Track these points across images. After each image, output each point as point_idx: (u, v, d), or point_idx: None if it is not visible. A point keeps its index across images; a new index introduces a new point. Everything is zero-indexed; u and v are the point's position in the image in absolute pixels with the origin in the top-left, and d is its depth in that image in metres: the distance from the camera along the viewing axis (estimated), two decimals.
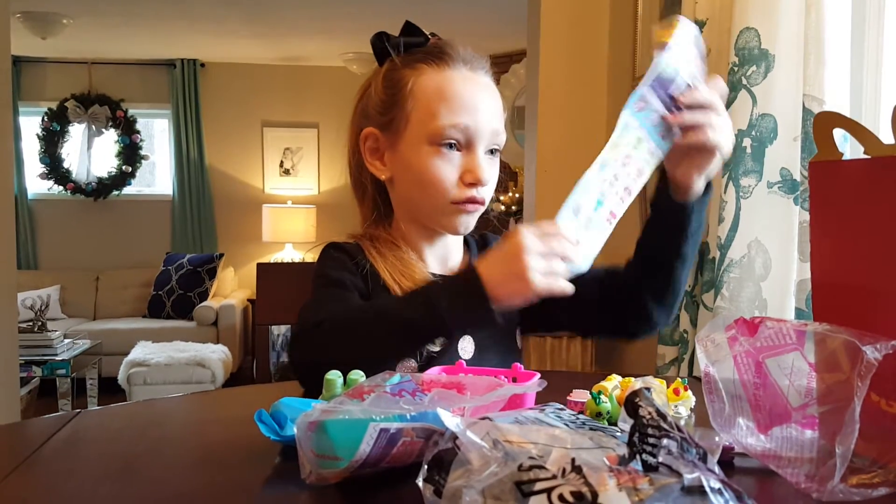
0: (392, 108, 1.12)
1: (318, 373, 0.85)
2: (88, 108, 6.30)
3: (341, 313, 1.00)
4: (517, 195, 5.00)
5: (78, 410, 0.91)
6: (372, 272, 1.12)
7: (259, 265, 1.72)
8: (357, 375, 0.84)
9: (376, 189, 1.19)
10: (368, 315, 0.99)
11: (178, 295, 5.88)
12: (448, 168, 1.08)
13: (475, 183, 1.08)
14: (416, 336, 0.96)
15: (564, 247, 0.89)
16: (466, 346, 1.13)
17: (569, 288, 0.89)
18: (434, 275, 1.15)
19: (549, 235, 0.88)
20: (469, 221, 1.13)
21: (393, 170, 1.14)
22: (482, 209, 1.13)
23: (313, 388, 0.92)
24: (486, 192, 1.11)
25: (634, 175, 0.95)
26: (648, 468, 0.48)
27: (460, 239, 1.22)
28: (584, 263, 0.93)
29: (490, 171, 1.11)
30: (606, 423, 0.76)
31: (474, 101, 1.09)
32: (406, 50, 1.13)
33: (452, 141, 1.08)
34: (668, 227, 1.09)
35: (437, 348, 1.10)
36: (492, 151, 1.12)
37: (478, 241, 1.27)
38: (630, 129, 0.96)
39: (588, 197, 0.94)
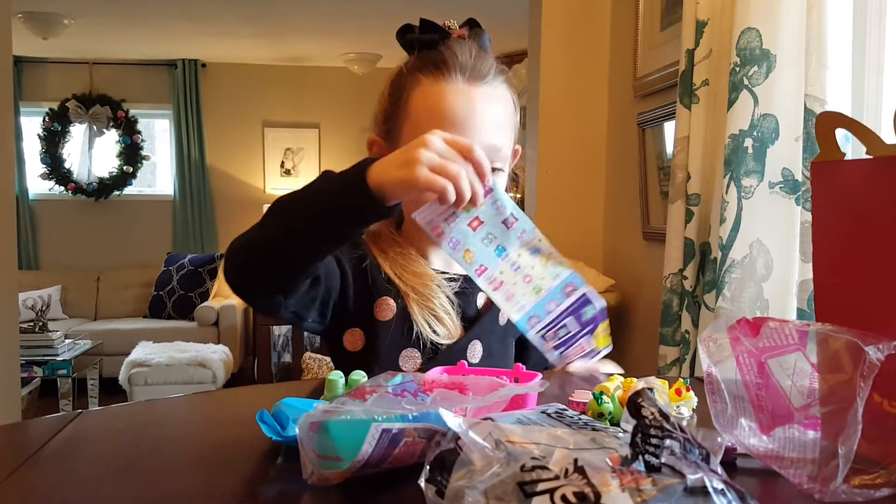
0: (391, 118, 1.12)
1: (250, 272, 0.95)
2: (89, 108, 6.31)
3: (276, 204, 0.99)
4: (518, 196, 5.00)
5: (79, 411, 0.91)
6: (373, 265, 1.12)
7: None
8: (358, 376, 0.84)
9: None
10: (277, 206, 0.97)
11: (179, 295, 5.89)
12: None
13: None
14: (310, 211, 0.91)
15: (474, 160, 0.86)
16: (475, 351, 1.14)
17: (450, 192, 0.83)
18: (437, 271, 1.15)
19: (460, 145, 0.86)
20: None
21: None
22: None
23: (254, 296, 0.99)
24: None
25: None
26: (651, 469, 0.48)
27: None
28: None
29: None
30: (608, 423, 0.76)
31: (464, 119, 1.05)
32: (420, 49, 1.11)
33: None
34: None
35: (445, 341, 1.10)
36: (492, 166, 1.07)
37: None
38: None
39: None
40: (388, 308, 1.11)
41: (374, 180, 0.85)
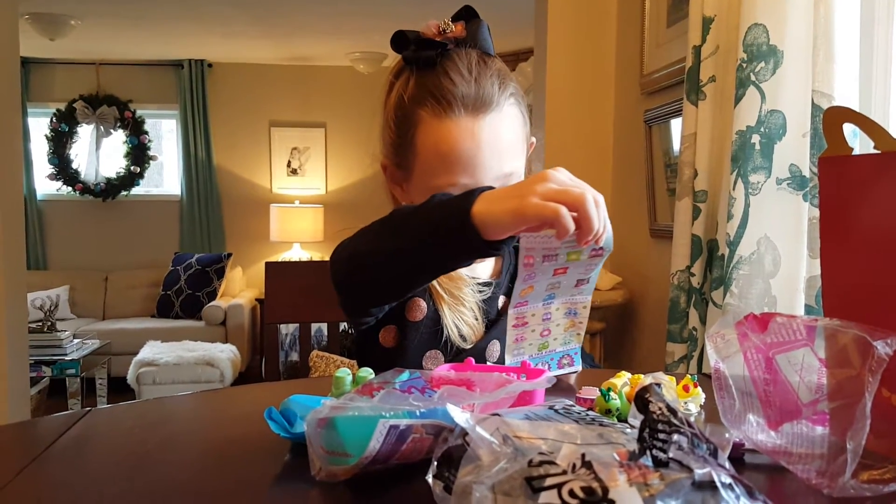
0: (400, 149, 1.10)
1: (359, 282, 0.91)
2: (96, 108, 6.33)
3: (367, 227, 0.96)
4: None
5: (88, 409, 0.91)
6: None
7: (268, 264, 1.72)
8: (366, 373, 0.84)
9: None
10: (386, 220, 0.93)
11: (186, 295, 5.90)
12: None
13: None
14: (414, 237, 0.86)
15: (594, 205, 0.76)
16: (493, 351, 1.15)
17: (563, 216, 0.74)
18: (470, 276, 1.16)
19: (582, 186, 0.78)
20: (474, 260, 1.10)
21: (410, 200, 1.13)
22: None
23: (360, 304, 0.98)
24: None
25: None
26: (659, 463, 0.48)
27: None
28: None
29: None
30: (616, 419, 0.76)
31: (473, 158, 1.02)
32: (418, 69, 1.07)
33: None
34: None
35: (466, 345, 1.10)
36: None
37: (515, 249, 1.26)
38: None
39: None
40: (419, 309, 1.12)
41: (479, 212, 0.78)
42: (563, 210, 0.73)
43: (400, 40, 1.08)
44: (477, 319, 1.14)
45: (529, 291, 0.90)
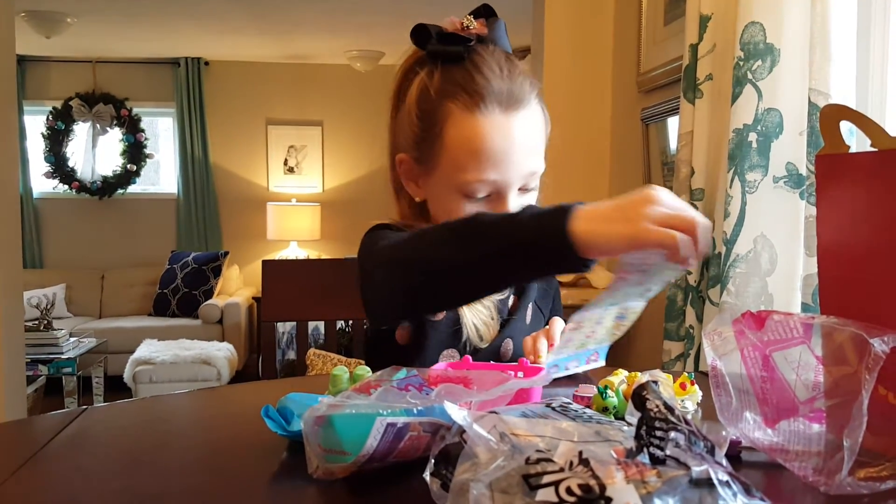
0: (423, 144, 1.07)
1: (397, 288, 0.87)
2: (93, 106, 6.31)
3: (428, 231, 0.91)
4: None
5: (84, 407, 0.91)
6: None
7: (264, 262, 1.72)
8: (363, 371, 0.84)
9: None
10: (455, 224, 0.86)
11: (183, 293, 5.89)
12: (472, 211, 1.04)
13: None
14: (502, 249, 0.79)
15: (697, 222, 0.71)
16: (507, 349, 1.17)
17: (683, 245, 0.70)
18: None
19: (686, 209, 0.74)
20: None
21: (427, 195, 1.12)
22: None
23: (402, 314, 0.96)
24: None
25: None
26: (656, 461, 0.48)
27: None
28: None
29: None
30: (613, 417, 0.76)
31: (504, 155, 1.02)
32: (443, 63, 1.05)
33: (479, 195, 1.04)
34: None
35: (483, 345, 1.11)
36: (526, 190, 1.07)
37: None
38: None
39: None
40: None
41: (582, 232, 0.73)
42: (681, 236, 0.70)
43: (421, 33, 1.06)
44: (493, 318, 1.16)
45: (602, 300, 0.89)
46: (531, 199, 1.09)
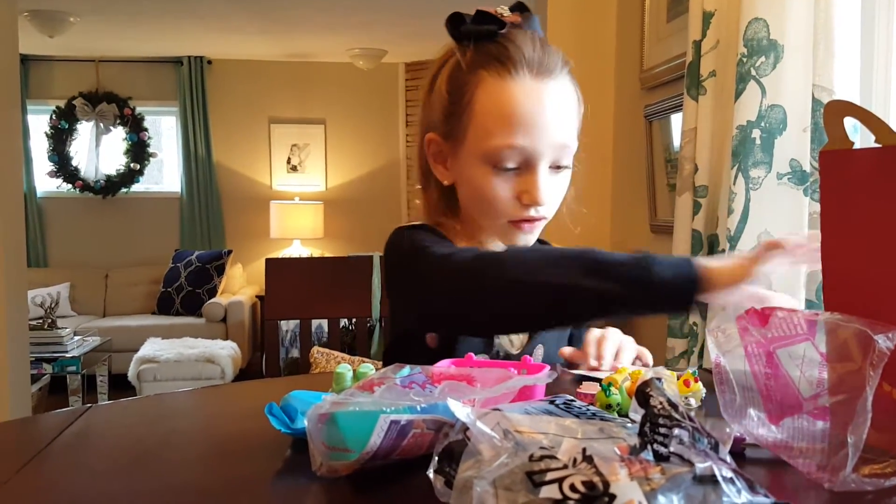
0: (452, 117, 1.06)
1: (484, 299, 0.86)
2: (96, 105, 6.32)
3: (522, 249, 0.96)
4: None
5: (89, 405, 0.91)
6: None
7: (268, 260, 1.72)
8: (366, 368, 0.84)
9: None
10: (568, 252, 0.87)
11: (186, 292, 5.90)
12: (504, 188, 1.03)
13: (532, 203, 1.04)
14: (618, 285, 0.82)
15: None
16: (537, 355, 1.14)
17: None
18: None
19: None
20: (528, 238, 1.10)
21: (455, 177, 1.10)
22: (543, 224, 1.09)
23: (459, 322, 0.93)
24: (547, 210, 1.07)
25: None
26: (660, 458, 0.48)
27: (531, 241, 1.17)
28: None
29: (551, 189, 1.05)
30: (616, 415, 0.76)
31: (534, 119, 1.01)
32: (477, 41, 1.05)
33: (509, 164, 1.02)
34: None
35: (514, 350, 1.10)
36: (558, 167, 1.05)
37: (538, 245, 1.23)
38: None
39: None
40: None
41: (708, 279, 0.81)
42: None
43: (456, 20, 1.06)
44: None
45: None
46: (564, 180, 1.08)
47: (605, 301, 0.83)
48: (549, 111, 1.01)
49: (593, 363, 1.04)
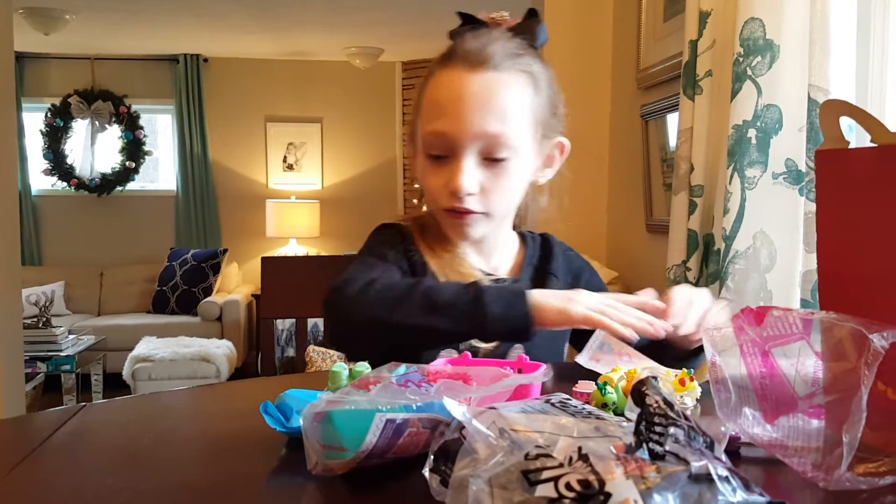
0: (415, 110, 1.12)
1: (358, 332, 0.96)
2: (91, 103, 6.31)
3: (389, 280, 1.01)
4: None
5: (83, 403, 0.91)
6: (421, 261, 1.12)
7: (264, 259, 1.72)
8: (362, 367, 0.84)
9: None
10: (416, 289, 0.96)
11: (182, 290, 5.89)
12: (436, 177, 1.06)
13: (452, 191, 1.04)
14: (452, 323, 0.94)
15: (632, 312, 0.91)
16: (514, 356, 1.12)
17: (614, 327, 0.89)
18: (481, 272, 1.14)
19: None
20: (469, 231, 1.09)
21: (416, 170, 1.15)
22: (484, 219, 1.08)
23: (352, 348, 1.01)
24: (479, 203, 1.06)
25: None
26: (655, 456, 0.48)
27: (503, 237, 1.19)
28: None
29: (478, 181, 1.05)
30: (612, 413, 0.76)
31: (456, 106, 1.02)
32: (452, 40, 1.10)
33: (435, 152, 1.05)
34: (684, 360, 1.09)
35: (484, 345, 1.10)
36: (492, 159, 1.05)
37: (539, 241, 1.24)
38: None
39: None
40: None
41: (536, 315, 0.91)
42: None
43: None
44: None
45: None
46: (502, 174, 1.06)
47: (446, 336, 0.95)
48: (471, 99, 1.02)
49: (675, 322, 0.98)
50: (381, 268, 1.07)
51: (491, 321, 0.91)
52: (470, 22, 1.10)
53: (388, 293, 0.97)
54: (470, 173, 1.03)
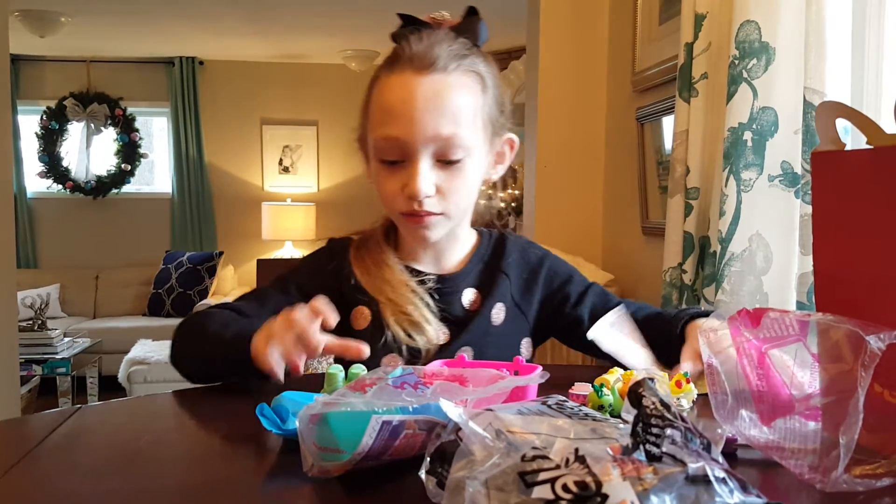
0: (363, 119, 1.13)
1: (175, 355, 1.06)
2: (87, 106, 6.30)
3: (208, 315, 1.10)
4: (517, 192, 5.00)
5: (79, 406, 0.91)
6: (346, 274, 1.14)
7: (259, 261, 1.72)
8: (358, 369, 0.84)
9: None
10: (212, 328, 1.05)
11: (177, 293, 5.88)
12: (391, 182, 1.06)
13: (410, 196, 1.04)
14: (222, 365, 1.00)
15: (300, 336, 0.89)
16: (465, 356, 1.11)
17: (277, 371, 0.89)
18: (418, 272, 1.14)
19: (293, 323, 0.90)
20: (428, 233, 1.09)
21: (371, 176, 1.14)
22: (443, 220, 1.08)
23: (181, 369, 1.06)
24: (437, 204, 1.06)
25: None
26: (652, 458, 0.48)
27: (459, 236, 1.18)
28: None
29: (434, 183, 1.04)
30: (609, 415, 0.76)
31: (406, 109, 1.02)
32: (395, 43, 1.09)
33: (389, 157, 1.05)
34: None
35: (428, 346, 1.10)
36: (447, 161, 1.04)
37: (495, 237, 1.23)
38: None
39: None
40: (362, 317, 1.11)
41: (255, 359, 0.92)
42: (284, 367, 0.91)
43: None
44: (429, 320, 1.10)
45: None
46: (458, 175, 1.06)
47: (231, 373, 1.00)
48: (421, 102, 1.02)
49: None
50: (260, 295, 1.16)
51: (256, 368, 0.93)
52: (411, 23, 1.09)
53: (198, 327, 1.08)
54: (426, 176, 1.03)
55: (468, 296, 1.16)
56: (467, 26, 1.10)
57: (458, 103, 1.04)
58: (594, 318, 1.13)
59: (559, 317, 1.20)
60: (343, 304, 1.09)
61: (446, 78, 1.03)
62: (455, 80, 1.04)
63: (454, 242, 1.18)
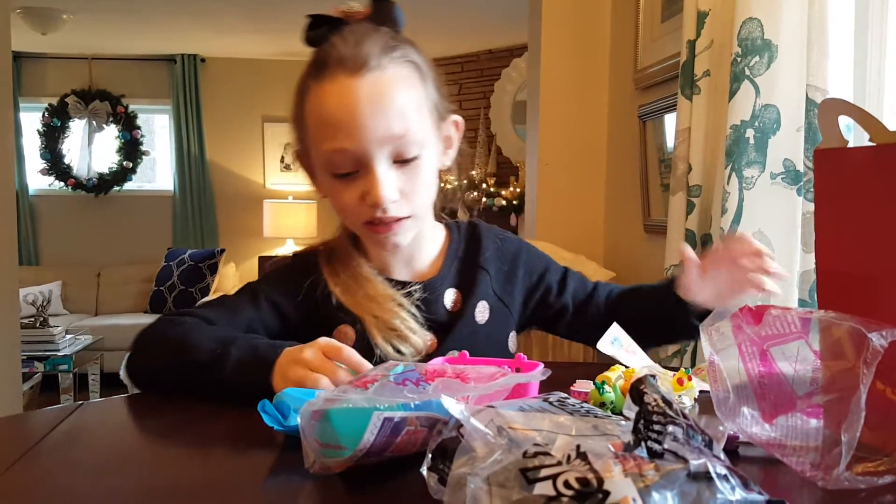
0: (299, 132, 1.06)
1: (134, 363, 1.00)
2: (89, 103, 6.30)
3: (177, 322, 1.02)
4: (518, 190, 5.00)
5: (80, 402, 0.91)
6: (324, 294, 1.08)
7: (262, 258, 1.72)
8: None
9: None
10: (182, 337, 0.98)
11: (179, 290, 5.89)
12: (350, 193, 1.00)
13: (373, 204, 0.99)
14: (200, 378, 0.94)
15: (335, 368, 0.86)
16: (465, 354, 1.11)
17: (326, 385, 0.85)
18: (395, 281, 1.10)
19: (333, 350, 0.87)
20: (397, 240, 1.04)
21: (320, 187, 1.09)
22: (411, 222, 1.04)
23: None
24: (403, 207, 1.02)
25: None
26: (654, 455, 0.48)
27: (426, 234, 1.13)
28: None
29: (396, 184, 1.00)
30: (610, 413, 0.76)
31: (352, 118, 0.96)
32: (314, 47, 1.02)
33: (342, 170, 0.99)
34: (678, 334, 1.15)
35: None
36: (403, 160, 1.00)
37: (466, 230, 1.19)
38: None
39: None
40: (346, 336, 1.06)
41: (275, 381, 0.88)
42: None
43: (308, 27, 1.04)
44: (415, 331, 1.06)
45: None
46: (417, 172, 1.02)
47: (210, 392, 0.92)
48: (365, 105, 0.96)
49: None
50: (228, 303, 1.09)
51: (233, 388, 0.90)
52: (323, 23, 1.02)
53: (154, 344, 1.01)
54: (387, 181, 0.98)
55: (449, 296, 1.13)
56: (383, 14, 1.04)
57: (403, 98, 0.99)
58: (577, 303, 1.18)
59: (544, 308, 1.20)
60: (323, 325, 1.05)
61: (383, 75, 0.98)
62: (393, 75, 0.99)
63: (422, 242, 1.13)
